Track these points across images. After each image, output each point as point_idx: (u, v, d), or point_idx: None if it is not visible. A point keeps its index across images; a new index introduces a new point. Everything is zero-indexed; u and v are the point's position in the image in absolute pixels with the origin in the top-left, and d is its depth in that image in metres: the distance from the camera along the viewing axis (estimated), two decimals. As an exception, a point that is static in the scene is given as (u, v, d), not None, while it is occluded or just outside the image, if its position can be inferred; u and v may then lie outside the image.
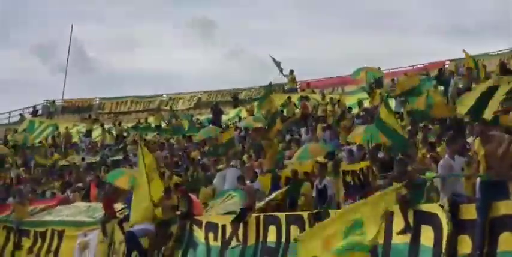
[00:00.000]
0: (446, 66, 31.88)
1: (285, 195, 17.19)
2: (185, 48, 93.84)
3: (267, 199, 17.08)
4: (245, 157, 23.54)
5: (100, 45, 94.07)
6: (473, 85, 21.68)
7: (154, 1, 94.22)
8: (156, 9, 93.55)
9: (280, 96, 32.97)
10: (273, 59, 35.10)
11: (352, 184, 14.28)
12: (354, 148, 19.49)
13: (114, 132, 35.76)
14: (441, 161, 12.23)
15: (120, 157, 29.24)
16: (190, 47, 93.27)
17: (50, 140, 38.51)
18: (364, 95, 28.74)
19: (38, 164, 31.58)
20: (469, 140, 15.61)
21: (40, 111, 46.30)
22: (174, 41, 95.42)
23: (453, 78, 24.05)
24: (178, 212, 17.98)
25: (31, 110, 46.77)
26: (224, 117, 34.67)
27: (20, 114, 46.61)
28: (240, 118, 33.34)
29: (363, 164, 14.39)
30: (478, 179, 11.39)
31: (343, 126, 23.78)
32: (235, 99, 39.41)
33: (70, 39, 50.96)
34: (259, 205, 16.88)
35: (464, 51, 23.00)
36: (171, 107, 42.34)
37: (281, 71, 35.27)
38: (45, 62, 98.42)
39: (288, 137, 25.21)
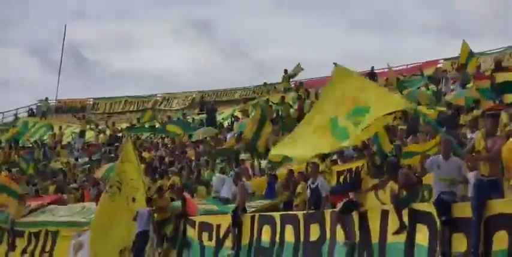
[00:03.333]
0: (440, 65, 31.88)
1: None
2: (181, 48, 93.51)
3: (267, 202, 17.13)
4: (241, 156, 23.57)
5: (95, 45, 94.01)
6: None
7: (150, 0, 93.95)
8: (152, 9, 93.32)
9: (276, 96, 32.98)
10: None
11: (341, 184, 14.16)
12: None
13: (108, 132, 35.67)
14: (428, 160, 12.21)
15: (113, 156, 29.19)
16: (186, 47, 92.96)
17: (45, 140, 38.42)
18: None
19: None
20: (469, 135, 15.57)
21: (35, 112, 46.19)
22: (169, 40, 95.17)
23: (445, 77, 24.18)
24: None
25: (26, 110, 46.60)
26: (218, 117, 34.62)
27: (14, 115, 46.45)
28: (234, 117, 33.24)
29: (358, 163, 14.29)
30: (473, 178, 11.42)
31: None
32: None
33: (63, 40, 50.80)
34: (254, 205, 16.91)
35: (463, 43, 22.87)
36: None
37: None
38: (41, 62, 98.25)
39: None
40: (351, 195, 13.63)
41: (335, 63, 13.04)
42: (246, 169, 20.52)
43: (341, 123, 12.34)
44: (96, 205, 20.14)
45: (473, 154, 11.36)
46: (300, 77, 37.87)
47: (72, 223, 20.85)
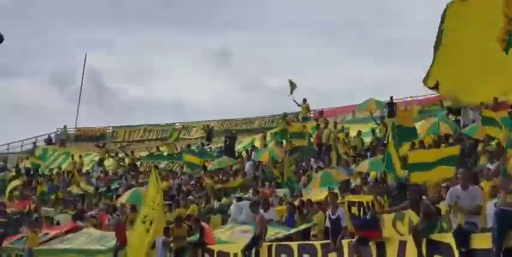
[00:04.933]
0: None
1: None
2: (201, 78, 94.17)
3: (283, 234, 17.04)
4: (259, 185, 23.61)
5: (117, 74, 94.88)
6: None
7: (171, 30, 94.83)
8: (172, 38, 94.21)
9: (295, 125, 33.07)
10: (291, 82, 34.94)
11: (357, 216, 13.98)
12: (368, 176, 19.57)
13: (127, 161, 35.79)
14: (448, 192, 12.19)
15: (133, 184, 29.30)
16: (206, 77, 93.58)
17: (63, 168, 38.57)
18: (374, 125, 28.83)
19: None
20: (489, 166, 15.55)
21: (54, 140, 46.42)
22: (190, 70, 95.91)
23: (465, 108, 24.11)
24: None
25: (46, 137, 46.79)
26: (237, 146, 34.74)
27: (33, 143, 46.70)
28: (253, 147, 33.36)
29: (368, 197, 14.18)
30: (494, 207, 11.30)
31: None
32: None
33: (84, 68, 51.38)
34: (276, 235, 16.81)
35: None
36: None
37: (291, 92, 35.13)
38: (62, 90, 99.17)
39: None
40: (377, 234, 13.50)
41: None
42: (267, 197, 20.51)
43: None
44: (116, 234, 20.15)
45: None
46: (319, 106, 38.02)
47: (90, 251, 20.84)
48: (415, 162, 15.50)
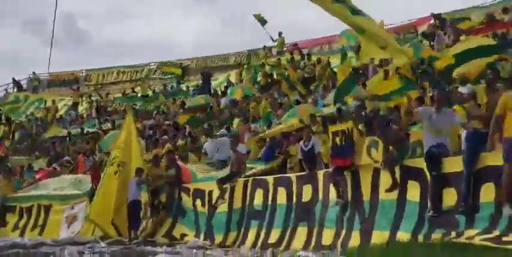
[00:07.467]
0: (433, 21, 31.36)
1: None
2: (179, 16, 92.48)
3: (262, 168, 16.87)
4: (235, 122, 23.37)
5: (91, 16, 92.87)
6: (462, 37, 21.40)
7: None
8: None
9: (270, 59, 32.75)
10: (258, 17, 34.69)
11: (339, 145, 13.77)
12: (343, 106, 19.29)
13: (101, 103, 35.38)
14: (419, 109, 12.01)
15: (107, 127, 28.99)
16: (185, 15, 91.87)
17: (38, 114, 38.08)
18: (352, 53, 28.35)
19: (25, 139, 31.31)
20: (461, 89, 15.34)
21: (25, 86, 45.50)
22: (167, 9, 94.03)
23: (437, 32, 23.83)
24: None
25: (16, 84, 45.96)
26: (213, 83, 34.39)
27: (5, 90, 45.88)
28: (229, 83, 33.02)
29: (348, 124, 13.93)
30: (465, 131, 11.14)
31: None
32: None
33: (55, 14, 50.61)
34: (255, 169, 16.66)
35: None
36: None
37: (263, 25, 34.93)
38: (37, 35, 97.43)
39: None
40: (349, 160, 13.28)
41: None
42: (242, 134, 20.28)
43: None
44: (91, 177, 19.93)
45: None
46: (294, 38, 37.57)
47: (65, 196, 20.63)
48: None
